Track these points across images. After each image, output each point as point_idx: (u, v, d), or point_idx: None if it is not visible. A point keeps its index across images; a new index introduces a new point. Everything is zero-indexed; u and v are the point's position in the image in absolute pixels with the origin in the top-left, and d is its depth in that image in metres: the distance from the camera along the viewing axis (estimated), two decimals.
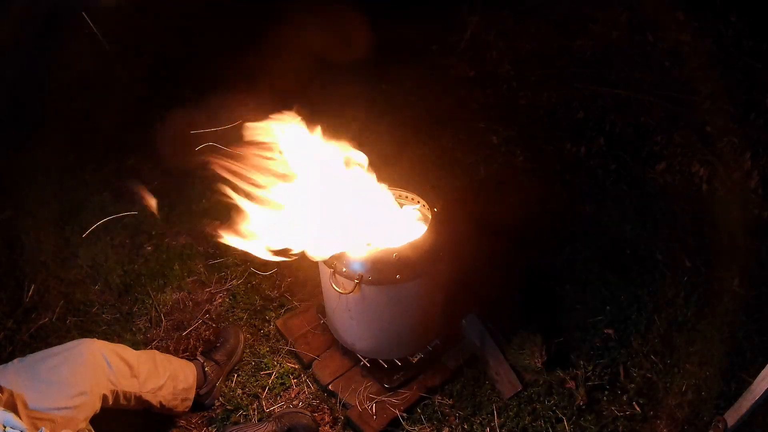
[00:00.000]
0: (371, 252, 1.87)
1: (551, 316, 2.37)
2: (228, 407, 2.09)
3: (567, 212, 2.83)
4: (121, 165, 3.18)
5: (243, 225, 1.80)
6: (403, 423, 2.02)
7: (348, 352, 2.20)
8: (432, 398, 2.09)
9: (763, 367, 1.64)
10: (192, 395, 1.99)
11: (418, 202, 2.10)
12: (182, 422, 2.05)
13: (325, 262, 1.93)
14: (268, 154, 1.87)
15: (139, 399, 1.78)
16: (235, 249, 1.83)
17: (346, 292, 1.88)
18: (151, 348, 2.27)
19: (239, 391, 2.15)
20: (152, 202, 2.41)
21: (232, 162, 1.81)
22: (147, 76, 3.59)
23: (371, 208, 1.99)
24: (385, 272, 1.85)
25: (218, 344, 2.20)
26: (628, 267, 2.53)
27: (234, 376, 2.19)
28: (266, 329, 2.37)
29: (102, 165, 3.17)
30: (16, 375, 1.53)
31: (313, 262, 1.92)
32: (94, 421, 1.64)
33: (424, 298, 2.01)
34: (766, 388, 1.64)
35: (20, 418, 1.42)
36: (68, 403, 1.55)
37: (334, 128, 1.97)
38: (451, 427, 2.02)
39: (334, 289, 1.91)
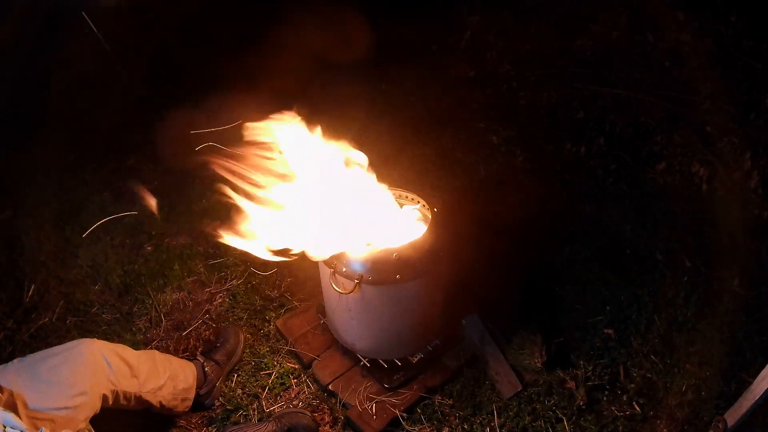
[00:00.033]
0: (371, 252, 1.87)
1: (551, 316, 2.37)
2: (228, 407, 2.09)
3: (567, 212, 2.83)
4: (121, 165, 3.18)
5: (243, 225, 1.80)
6: (403, 423, 2.02)
7: (348, 352, 2.20)
8: (432, 398, 2.09)
9: (763, 367, 1.64)
10: (192, 395, 1.99)
11: (418, 202, 2.10)
12: (182, 422, 2.05)
13: (325, 262, 1.93)
14: (268, 154, 1.87)
15: (139, 399, 1.78)
16: (235, 249, 1.83)
17: (346, 292, 1.88)
18: (151, 348, 2.27)
19: (239, 391, 2.15)
20: (152, 202, 2.42)
21: (233, 162, 1.81)
22: (147, 76, 3.59)
23: (371, 208, 1.99)
24: (385, 272, 1.85)
25: (218, 344, 2.20)
26: (628, 267, 2.53)
27: (234, 376, 2.19)
28: (266, 329, 2.37)
29: (102, 165, 3.17)
30: (16, 375, 1.53)
31: (313, 262, 1.92)
32: (94, 421, 1.64)
33: (424, 298, 2.01)
34: (766, 388, 1.64)
35: (20, 418, 1.42)
36: (68, 403, 1.55)
37: (334, 128, 1.97)
38: (451, 427, 2.02)
39: (334, 289, 1.91)
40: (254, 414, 2.08)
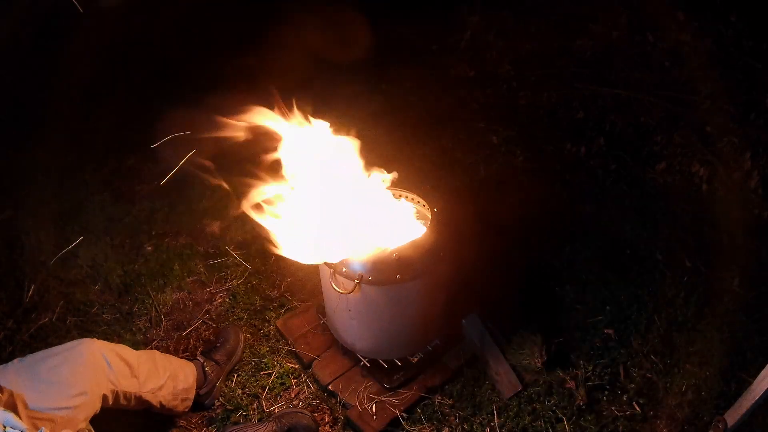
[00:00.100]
0: (371, 252, 1.87)
1: (551, 316, 2.37)
2: (228, 407, 2.09)
3: (567, 212, 2.83)
4: (121, 165, 3.18)
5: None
6: (403, 423, 2.02)
7: (348, 352, 2.20)
8: (432, 398, 2.09)
9: (763, 367, 1.64)
10: (192, 395, 1.99)
11: (418, 202, 2.10)
12: (182, 422, 2.05)
13: (325, 262, 1.93)
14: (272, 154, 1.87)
15: (139, 399, 1.78)
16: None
17: (347, 292, 1.88)
18: (151, 348, 2.27)
19: (239, 391, 2.15)
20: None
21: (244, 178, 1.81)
22: (147, 76, 3.60)
23: (372, 208, 1.99)
24: (385, 272, 1.85)
25: (218, 344, 2.20)
26: (628, 267, 2.53)
27: (234, 376, 2.19)
28: (266, 329, 2.37)
29: (102, 165, 3.17)
30: (16, 375, 1.53)
31: None
32: (94, 421, 1.64)
33: (425, 298, 2.00)
34: (766, 388, 1.64)
35: (20, 418, 1.42)
36: (68, 403, 1.55)
37: (334, 128, 1.97)
38: (451, 427, 2.02)
39: (334, 289, 1.91)
40: (254, 414, 2.08)
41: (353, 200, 1.94)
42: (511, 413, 2.04)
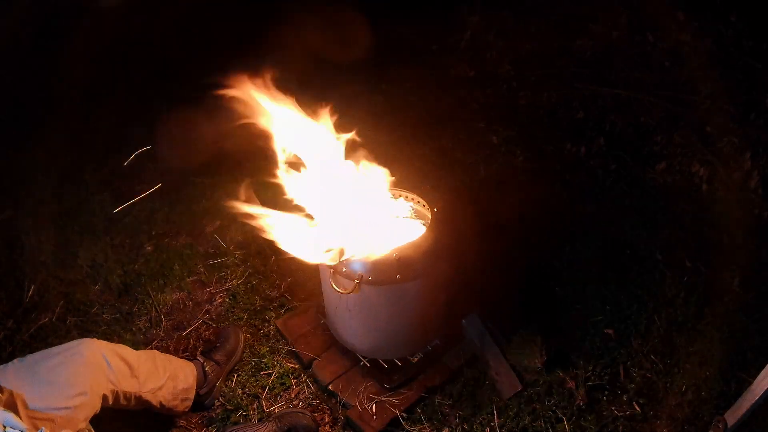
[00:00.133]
0: (371, 252, 1.87)
1: (551, 316, 2.36)
2: (228, 407, 2.09)
3: (567, 212, 2.83)
4: (121, 165, 3.18)
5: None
6: (403, 423, 2.02)
7: (348, 352, 2.20)
8: (432, 398, 2.09)
9: (763, 367, 1.64)
10: (192, 395, 1.99)
11: (418, 202, 2.10)
12: (182, 422, 2.05)
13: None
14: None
15: (139, 399, 1.78)
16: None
17: (347, 292, 1.88)
18: (151, 348, 2.27)
19: (239, 391, 2.15)
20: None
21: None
22: (147, 76, 3.59)
23: (372, 208, 1.99)
24: (385, 272, 1.85)
25: (218, 344, 2.20)
26: (628, 267, 2.53)
27: (234, 376, 2.19)
28: (266, 329, 2.37)
29: (102, 165, 3.17)
30: (16, 375, 1.53)
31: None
32: (94, 421, 1.64)
33: (424, 298, 2.00)
34: (766, 388, 1.64)
35: (20, 418, 1.42)
36: (68, 403, 1.54)
37: (334, 128, 1.97)
38: (451, 427, 2.02)
39: (334, 289, 1.91)
40: (254, 414, 2.08)
41: (353, 200, 1.94)
42: (511, 413, 2.04)
